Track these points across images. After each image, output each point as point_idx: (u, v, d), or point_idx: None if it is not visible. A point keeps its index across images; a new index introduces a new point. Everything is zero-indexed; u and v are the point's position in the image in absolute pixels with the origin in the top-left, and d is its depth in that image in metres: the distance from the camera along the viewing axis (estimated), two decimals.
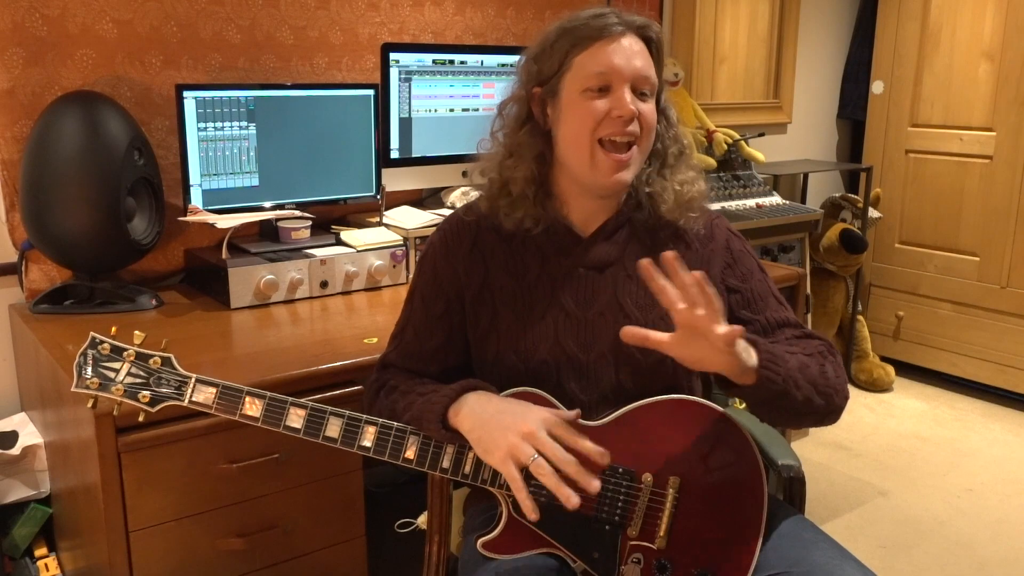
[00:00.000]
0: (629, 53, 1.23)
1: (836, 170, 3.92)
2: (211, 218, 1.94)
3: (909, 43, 3.52)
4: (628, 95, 1.22)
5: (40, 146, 1.78)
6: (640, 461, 1.23)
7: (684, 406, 1.26)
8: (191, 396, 1.23)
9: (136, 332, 1.26)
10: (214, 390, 1.23)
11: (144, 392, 1.23)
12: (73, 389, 1.23)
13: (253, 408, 1.23)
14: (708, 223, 1.37)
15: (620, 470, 1.22)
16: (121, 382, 1.23)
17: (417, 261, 1.40)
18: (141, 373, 1.24)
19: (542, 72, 1.27)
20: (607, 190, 1.27)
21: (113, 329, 1.26)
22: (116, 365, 1.24)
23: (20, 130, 1.90)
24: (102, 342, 1.24)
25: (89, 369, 1.23)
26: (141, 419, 1.25)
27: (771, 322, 1.32)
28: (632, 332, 1.11)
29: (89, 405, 1.25)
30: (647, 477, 1.22)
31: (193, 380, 1.23)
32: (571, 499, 1.11)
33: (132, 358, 1.24)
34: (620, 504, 1.22)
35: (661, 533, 1.21)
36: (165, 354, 1.25)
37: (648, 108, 1.25)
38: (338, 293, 2.06)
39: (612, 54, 1.23)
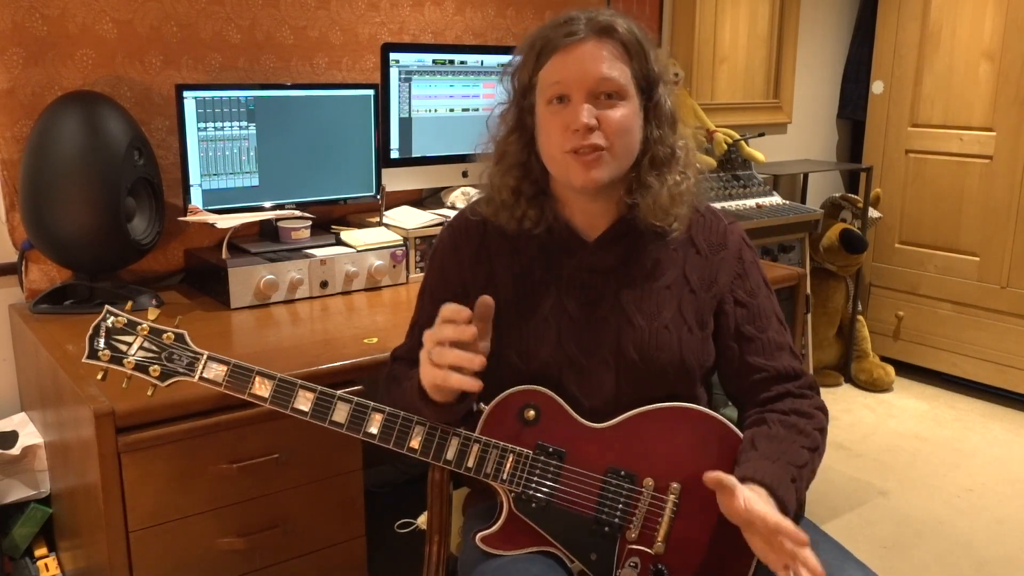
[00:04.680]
0: (586, 60, 1.20)
1: (836, 170, 3.92)
2: (211, 218, 1.94)
3: (909, 43, 3.52)
4: (584, 106, 1.20)
5: (40, 146, 1.78)
6: (642, 465, 1.23)
7: (688, 414, 1.26)
8: (202, 373, 1.23)
9: (150, 307, 1.26)
10: (225, 368, 1.23)
11: (155, 366, 1.23)
12: (84, 360, 1.23)
13: (263, 388, 1.23)
14: (722, 229, 1.35)
15: (622, 472, 1.22)
16: (133, 356, 1.23)
17: (428, 258, 1.40)
18: (153, 348, 1.23)
19: (521, 86, 1.28)
20: (586, 190, 1.26)
21: (128, 304, 1.26)
22: (129, 339, 1.23)
23: (20, 130, 1.90)
24: (116, 315, 1.24)
25: (101, 341, 1.23)
26: (150, 393, 1.24)
27: (772, 343, 1.32)
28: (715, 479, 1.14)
29: (99, 377, 1.24)
30: (648, 481, 1.22)
31: (205, 357, 1.23)
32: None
33: (145, 332, 1.24)
34: (620, 507, 1.22)
35: (660, 538, 1.21)
36: (178, 330, 1.25)
37: (615, 113, 1.21)
38: (338, 293, 2.06)
39: (566, 65, 1.21)
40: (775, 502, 1.14)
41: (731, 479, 1.12)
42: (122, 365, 1.23)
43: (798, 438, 1.24)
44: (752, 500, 1.10)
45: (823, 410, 1.31)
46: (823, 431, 1.28)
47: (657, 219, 1.27)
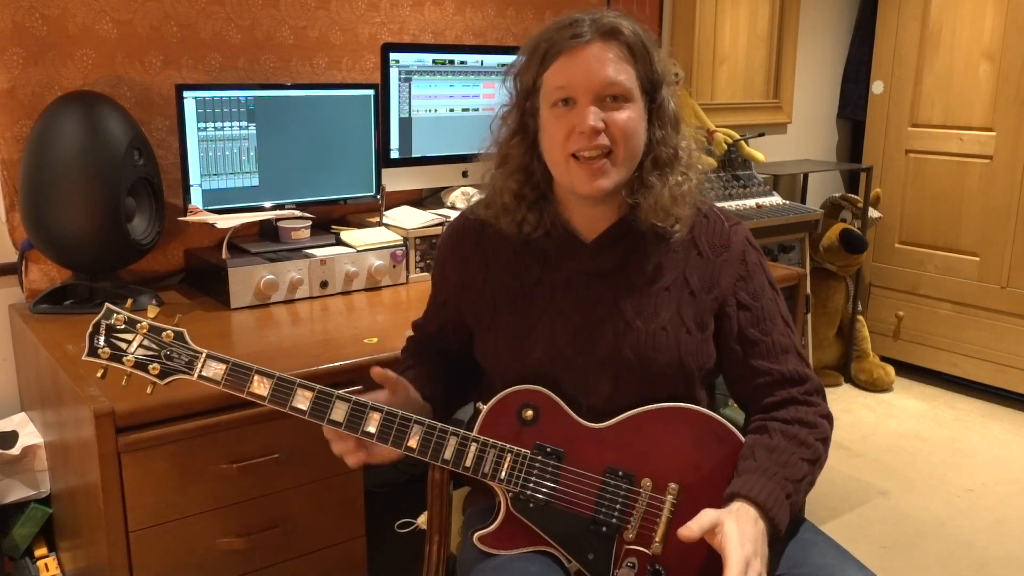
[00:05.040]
0: (592, 62, 1.20)
1: (836, 170, 3.92)
2: (211, 218, 1.94)
3: (909, 43, 3.52)
4: (591, 108, 1.20)
5: (40, 146, 1.78)
6: (640, 465, 1.23)
7: (686, 414, 1.25)
8: (201, 371, 1.23)
9: (150, 306, 1.27)
10: (223, 366, 1.23)
11: (154, 364, 1.23)
12: (84, 358, 1.23)
13: (261, 387, 1.23)
14: (726, 231, 1.33)
15: (620, 473, 1.22)
16: (132, 354, 1.23)
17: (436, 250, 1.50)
18: (153, 346, 1.24)
19: (524, 88, 1.28)
20: (590, 198, 1.26)
21: (129, 302, 1.26)
22: (128, 337, 1.24)
23: (20, 130, 1.90)
24: (116, 313, 1.24)
25: (101, 339, 1.23)
26: (149, 391, 1.25)
27: (777, 346, 1.30)
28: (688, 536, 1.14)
29: (99, 375, 1.24)
30: (646, 482, 1.22)
31: (204, 355, 1.23)
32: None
33: (145, 330, 1.24)
34: (618, 507, 1.22)
35: (657, 539, 1.21)
36: (178, 328, 1.25)
37: (621, 116, 1.21)
38: (338, 293, 2.06)
39: (572, 67, 1.20)
40: (766, 522, 1.14)
41: (706, 521, 1.12)
42: (121, 363, 1.23)
43: (798, 450, 1.23)
44: (728, 539, 1.10)
45: (828, 418, 1.29)
46: (825, 440, 1.27)
47: (658, 219, 1.27)
